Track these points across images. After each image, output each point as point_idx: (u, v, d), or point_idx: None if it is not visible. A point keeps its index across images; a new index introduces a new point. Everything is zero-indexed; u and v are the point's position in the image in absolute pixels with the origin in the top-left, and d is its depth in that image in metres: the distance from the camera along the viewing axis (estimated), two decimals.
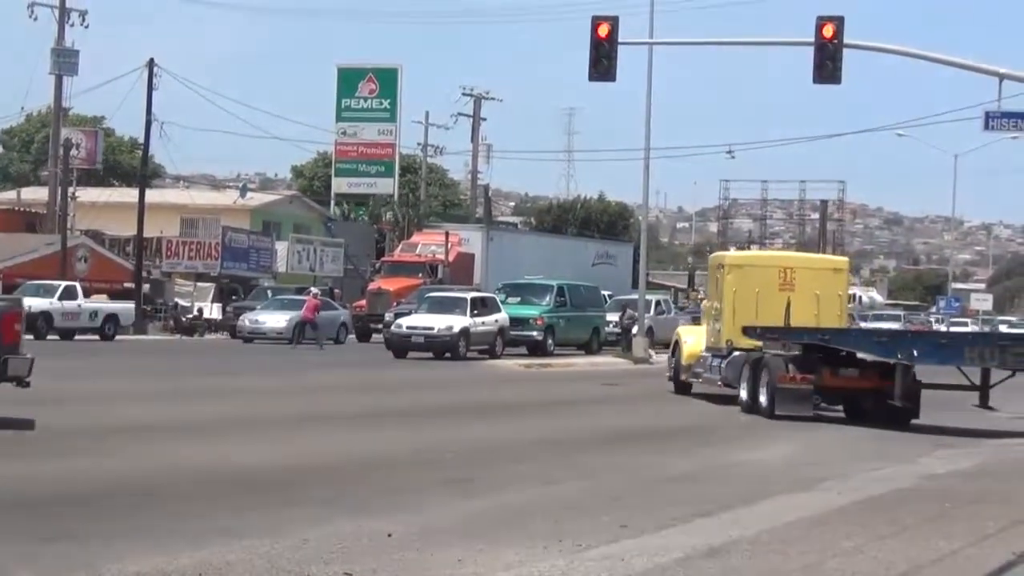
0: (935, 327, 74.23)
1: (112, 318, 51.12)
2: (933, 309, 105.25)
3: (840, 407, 27.83)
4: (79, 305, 50.02)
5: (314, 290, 55.10)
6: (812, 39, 30.50)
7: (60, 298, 49.19)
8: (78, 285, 51.46)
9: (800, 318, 29.39)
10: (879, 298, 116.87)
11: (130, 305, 53.91)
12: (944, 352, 26.47)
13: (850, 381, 26.65)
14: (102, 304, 52.00)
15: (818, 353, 27.03)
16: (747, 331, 29.03)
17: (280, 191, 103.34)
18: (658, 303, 57.99)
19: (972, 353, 25.77)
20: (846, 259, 36.71)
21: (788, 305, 29.67)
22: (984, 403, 26.75)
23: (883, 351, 26.43)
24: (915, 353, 25.92)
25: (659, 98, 53.62)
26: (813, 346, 27.21)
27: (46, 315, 48.31)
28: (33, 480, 14.86)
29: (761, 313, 29.66)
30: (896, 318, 76.63)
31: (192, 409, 24.13)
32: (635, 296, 53.33)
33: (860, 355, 27.05)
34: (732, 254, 39.05)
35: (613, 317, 53.07)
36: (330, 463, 17.47)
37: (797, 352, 27.33)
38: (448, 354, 43.18)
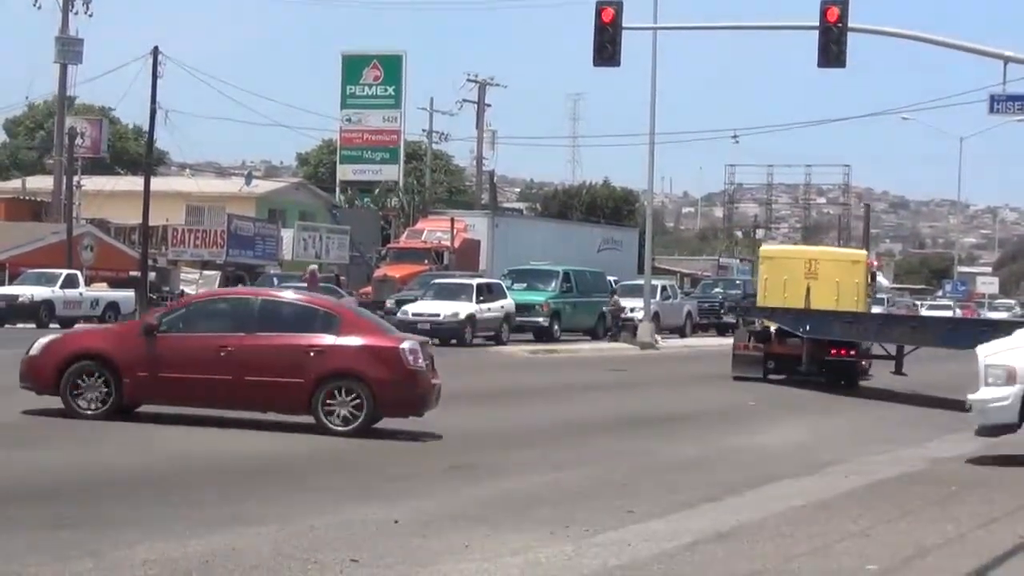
0: (921, 312, 75.39)
1: (113, 306, 51.11)
2: (939, 293, 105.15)
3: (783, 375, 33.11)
4: (80, 293, 49.98)
5: (312, 267, 54.91)
6: (817, 23, 30.39)
7: (62, 286, 49.19)
8: (79, 273, 51.43)
9: (821, 302, 33.20)
10: (885, 282, 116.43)
11: (130, 293, 53.89)
12: (826, 327, 31.82)
13: (794, 349, 32.30)
14: (103, 292, 51.98)
15: (794, 327, 32.13)
16: (731, 309, 34.67)
17: (285, 178, 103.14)
18: (664, 288, 57.84)
19: (842, 329, 31.67)
20: (864, 252, 42.45)
21: (808, 291, 33.57)
22: (898, 370, 32.22)
23: (792, 325, 32.25)
24: (808, 327, 31.69)
25: (664, 83, 53.62)
26: (787, 321, 32.56)
27: (48, 303, 48.27)
28: (41, 470, 14.86)
29: (788, 298, 33.62)
30: (880, 301, 76.91)
31: None
32: (640, 281, 53.24)
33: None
34: (766, 247, 44.83)
35: None
36: (336, 450, 17.46)
37: (773, 327, 33.12)
38: (454, 340, 43.11)
